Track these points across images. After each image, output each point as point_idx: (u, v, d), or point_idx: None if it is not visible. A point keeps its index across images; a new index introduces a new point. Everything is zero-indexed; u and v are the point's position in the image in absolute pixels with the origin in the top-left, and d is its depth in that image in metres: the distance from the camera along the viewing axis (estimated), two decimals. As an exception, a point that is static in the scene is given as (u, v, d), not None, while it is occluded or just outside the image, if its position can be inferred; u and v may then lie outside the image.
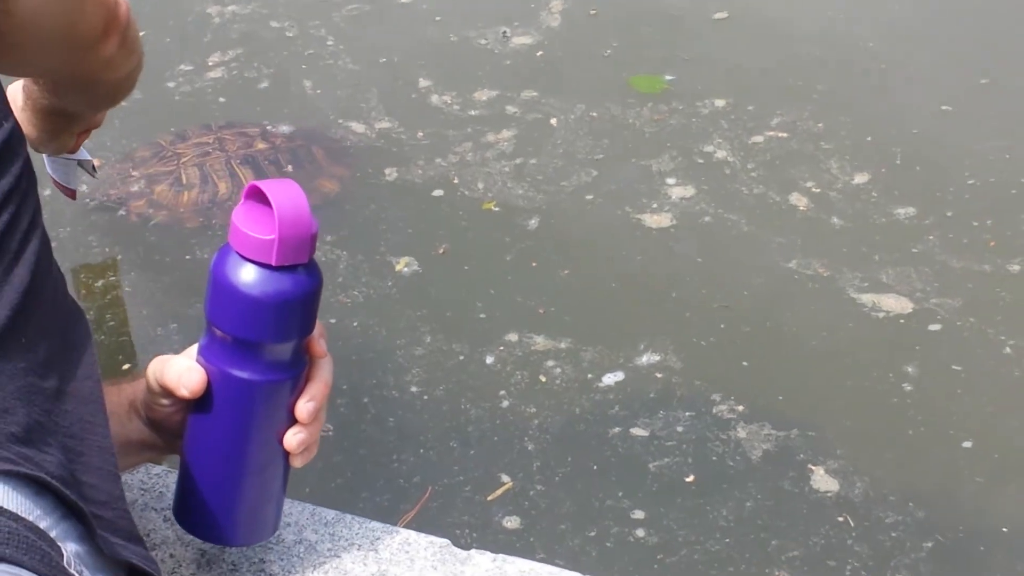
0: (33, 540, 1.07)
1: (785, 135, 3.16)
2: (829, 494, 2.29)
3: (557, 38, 3.51)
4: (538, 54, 3.46)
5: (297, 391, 1.33)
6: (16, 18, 1.32)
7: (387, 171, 3.06)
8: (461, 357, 2.53)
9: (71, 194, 2.27)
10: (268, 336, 1.28)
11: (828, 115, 3.24)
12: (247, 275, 1.24)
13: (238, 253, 1.24)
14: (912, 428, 2.42)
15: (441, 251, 2.80)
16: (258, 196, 1.25)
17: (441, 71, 3.41)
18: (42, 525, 1.10)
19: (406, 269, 2.74)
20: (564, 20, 3.56)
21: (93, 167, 2.32)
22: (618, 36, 3.49)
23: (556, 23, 3.56)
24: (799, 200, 2.95)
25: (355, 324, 2.59)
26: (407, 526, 2.11)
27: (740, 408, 2.45)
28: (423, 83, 3.36)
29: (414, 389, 2.47)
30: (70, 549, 1.12)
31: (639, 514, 2.23)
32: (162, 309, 2.67)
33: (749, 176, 3.03)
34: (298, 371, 1.32)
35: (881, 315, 2.65)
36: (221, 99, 3.33)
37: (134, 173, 3.00)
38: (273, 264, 1.23)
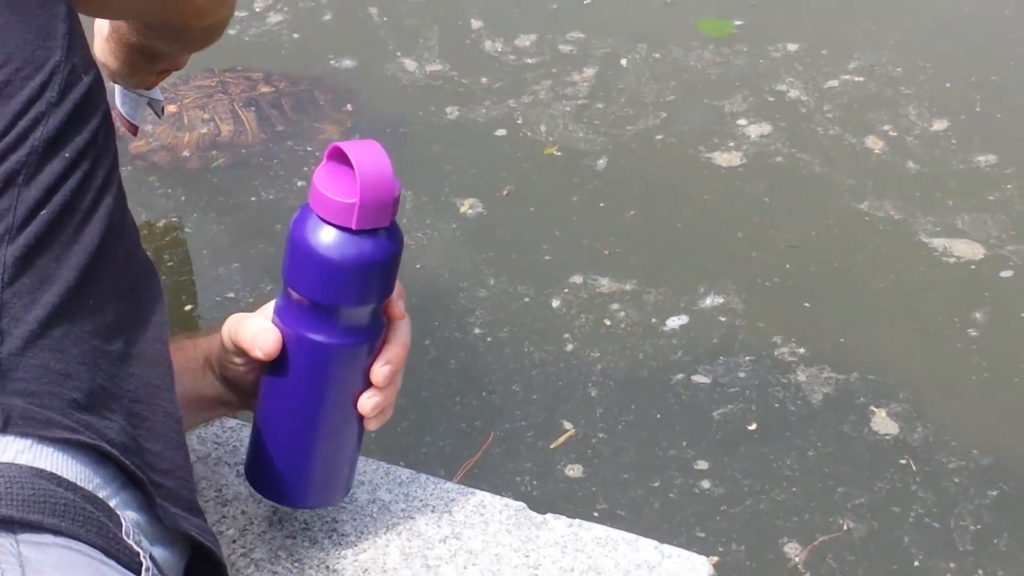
0: (90, 511, 1.08)
1: (862, 79, 3.19)
2: (889, 438, 2.36)
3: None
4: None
5: (374, 354, 1.33)
6: None
7: (448, 110, 3.11)
8: (526, 299, 2.60)
9: (133, 130, 2.32)
10: (346, 300, 1.28)
11: (906, 60, 3.26)
12: (326, 238, 1.23)
13: (318, 215, 1.24)
14: (976, 374, 2.47)
15: (505, 193, 2.86)
16: (340, 157, 1.24)
17: (495, 11, 3.45)
18: (101, 495, 1.11)
19: (471, 211, 2.81)
20: None
21: (162, 108, 2.37)
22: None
23: None
24: (875, 143, 3.00)
25: (418, 266, 2.66)
26: (470, 471, 2.19)
27: (801, 351, 2.52)
28: (475, 24, 3.39)
29: (477, 331, 2.54)
30: (130, 518, 1.12)
31: (703, 464, 2.30)
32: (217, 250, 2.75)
33: (824, 117, 3.07)
34: (375, 334, 1.32)
35: (952, 260, 2.70)
36: (295, 35, 3.38)
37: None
38: (353, 228, 1.23)
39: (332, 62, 3.28)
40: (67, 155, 1.16)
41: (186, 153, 2.96)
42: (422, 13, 3.44)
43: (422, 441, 2.32)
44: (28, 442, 1.06)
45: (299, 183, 2.88)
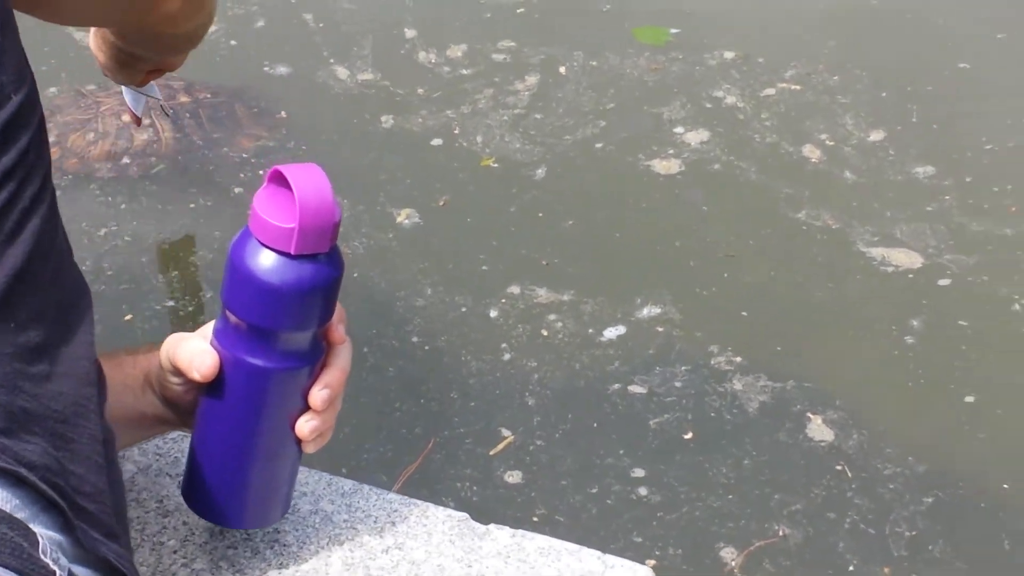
0: (3, 532, 1.06)
1: (799, 87, 3.24)
2: (824, 444, 2.40)
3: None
4: (532, 7, 3.51)
5: (313, 377, 1.33)
6: None
7: (383, 119, 3.13)
8: (463, 309, 2.62)
9: (137, 121, 2.32)
10: (285, 325, 1.28)
11: (842, 69, 3.31)
12: (265, 263, 1.23)
13: (257, 239, 1.23)
14: (913, 382, 2.52)
15: (442, 203, 2.88)
16: (280, 180, 1.24)
17: (429, 20, 3.46)
18: (20, 516, 1.09)
19: (407, 220, 2.83)
20: None
21: (163, 107, 2.36)
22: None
23: None
24: (812, 152, 3.04)
25: (355, 275, 2.67)
26: (410, 478, 2.21)
27: (738, 360, 2.56)
28: (409, 33, 3.41)
29: (415, 339, 2.56)
30: (49, 538, 1.11)
31: (639, 472, 2.33)
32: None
33: (762, 125, 3.11)
34: (315, 358, 1.32)
35: (890, 269, 2.74)
36: (232, 42, 3.39)
37: (49, 122, 3.06)
38: (292, 253, 1.22)
39: (267, 68, 3.29)
40: None
41: (94, 162, 2.96)
42: (356, 20, 3.45)
43: (362, 448, 2.34)
44: None
45: (236, 189, 2.89)
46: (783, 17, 3.51)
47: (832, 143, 3.07)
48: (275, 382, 1.31)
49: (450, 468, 2.32)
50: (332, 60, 3.31)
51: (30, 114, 1.19)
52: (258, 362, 1.29)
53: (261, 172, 2.92)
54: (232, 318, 1.28)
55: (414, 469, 2.30)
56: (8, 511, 1.08)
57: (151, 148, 3.00)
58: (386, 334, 2.56)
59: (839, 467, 2.36)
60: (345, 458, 2.29)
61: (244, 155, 3.00)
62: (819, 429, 2.42)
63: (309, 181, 1.22)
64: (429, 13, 3.48)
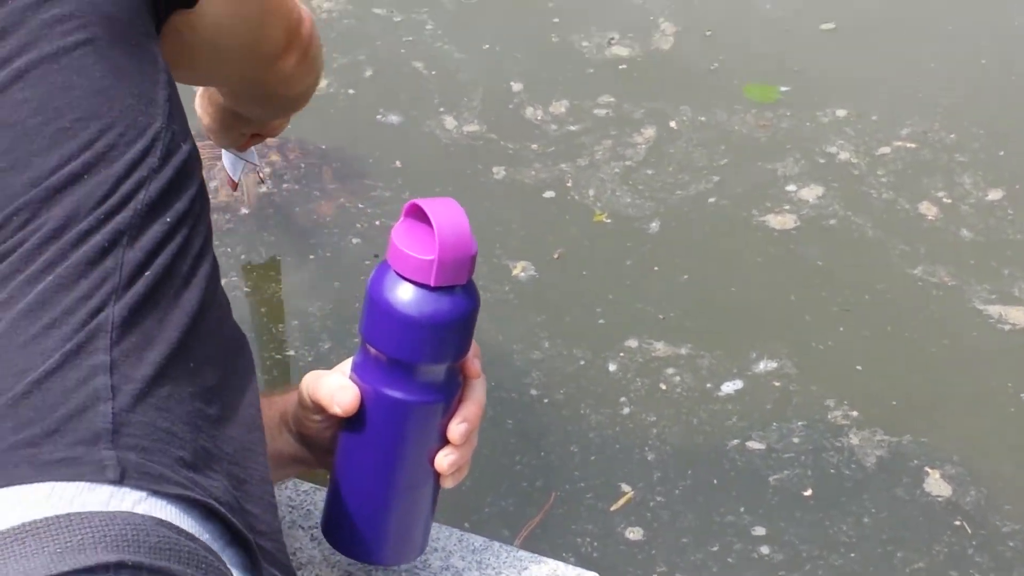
0: (212, 561, 1.12)
1: (914, 145, 3.26)
2: (942, 499, 2.43)
3: (664, 52, 3.59)
4: (643, 65, 3.54)
5: (450, 412, 1.38)
6: (199, 33, 1.42)
7: (495, 170, 3.19)
8: (581, 362, 2.67)
9: (233, 185, 2.38)
10: (423, 357, 1.33)
11: (958, 127, 3.32)
12: (404, 295, 1.29)
13: (396, 272, 1.29)
14: (1030, 440, 2.54)
15: (556, 256, 2.93)
16: (418, 214, 1.29)
17: (535, 73, 3.51)
18: (214, 548, 1.15)
19: (523, 273, 2.88)
20: (676, 39, 3.63)
21: (259, 175, 2.41)
22: (725, 51, 3.58)
23: (667, 42, 3.63)
24: (928, 209, 3.06)
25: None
26: (532, 532, 2.26)
27: (854, 414, 2.59)
28: (516, 86, 3.46)
29: (533, 392, 2.61)
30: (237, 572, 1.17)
31: (760, 530, 2.37)
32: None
33: (878, 181, 3.14)
34: (452, 392, 1.37)
35: (1007, 327, 2.77)
36: (346, 90, 3.46)
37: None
38: (431, 285, 1.28)
39: (379, 117, 3.36)
40: (168, 220, 1.23)
41: (244, 210, 3.03)
42: (467, 70, 3.52)
43: (484, 501, 2.39)
44: (143, 494, 1.12)
45: (354, 240, 2.96)
46: (895, 75, 3.53)
47: (949, 201, 3.09)
48: (414, 415, 1.36)
49: (571, 523, 2.37)
50: (442, 109, 3.37)
51: (195, 166, 1.30)
52: (398, 395, 1.34)
53: (377, 223, 2.99)
54: (372, 351, 1.33)
55: (536, 523, 2.34)
56: (204, 542, 1.14)
57: (265, 201, 3.07)
58: (504, 386, 2.61)
59: (957, 523, 2.38)
60: (468, 511, 2.34)
61: (361, 205, 3.07)
62: (937, 484, 2.45)
63: (447, 214, 1.28)
64: (534, 66, 3.53)
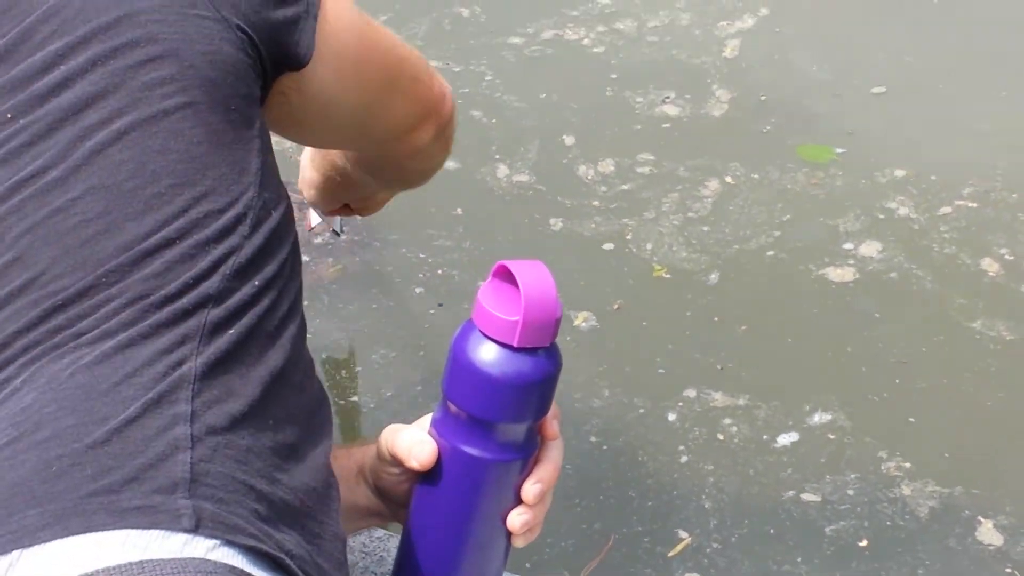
0: None
1: (976, 205, 3.34)
2: (992, 548, 2.51)
3: (716, 114, 3.68)
4: (697, 125, 3.64)
5: (526, 471, 1.40)
6: (308, 98, 1.46)
7: (552, 221, 3.29)
8: (640, 411, 2.77)
9: (307, 224, 2.45)
10: (503, 416, 1.34)
11: (1020, 186, 3.40)
12: (488, 354, 1.30)
13: (481, 331, 1.31)
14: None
15: (616, 307, 3.03)
16: (505, 275, 1.32)
17: (590, 128, 3.62)
18: None
19: (584, 324, 2.98)
20: (730, 105, 3.72)
21: (336, 228, 2.48)
22: (777, 114, 3.67)
23: (721, 108, 3.71)
24: (990, 265, 3.15)
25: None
26: (591, 573, 2.36)
27: (907, 465, 2.68)
28: (568, 140, 3.56)
29: (593, 439, 2.71)
30: None
31: (817, 581, 2.46)
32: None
33: (941, 237, 3.22)
34: (529, 452, 1.39)
35: (1064, 385, 2.85)
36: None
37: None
38: (515, 345, 1.29)
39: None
40: (256, 283, 1.27)
41: (305, 258, 3.14)
42: (523, 120, 3.63)
43: (544, 542, 2.48)
44: (216, 542, 1.14)
45: (417, 290, 3.07)
46: (950, 137, 3.61)
47: (1012, 258, 3.17)
48: (491, 473, 1.38)
49: (629, 566, 2.46)
50: (498, 157, 3.49)
51: (288, 229, 1.34)
52: (475, 452, 1.36)
53: (440, 272, 3.10)
54: (452, 408, 1.36)
55: (595, 565, 2.44)
56: None
57: (327, 249, 3.18)
58: (565, 433, 2.61)
59: (1008, 570, 2.46)
60: (529, 552, 2.44)
61: (422, 255, 3.17)
62: (989, 533, 2.54)
63: (534, 276, 1.32)
64: (589, 117, 3.64)
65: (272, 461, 1.23)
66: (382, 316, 3.02)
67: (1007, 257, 3.18)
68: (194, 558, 1.11)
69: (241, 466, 1.19)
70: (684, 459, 2.67)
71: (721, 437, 2.72)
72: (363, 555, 1.68)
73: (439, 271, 3.11)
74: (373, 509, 1.53)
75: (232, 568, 1.13)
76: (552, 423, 1.42)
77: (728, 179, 3.41)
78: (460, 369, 1.33)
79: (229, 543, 1.14)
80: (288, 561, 1.18)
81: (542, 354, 1.34)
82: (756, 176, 3.43)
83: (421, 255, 3.17)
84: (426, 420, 1.42)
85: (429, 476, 1.41)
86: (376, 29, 1.58)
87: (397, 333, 2.96)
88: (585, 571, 2.41)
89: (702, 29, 3.96)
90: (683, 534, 2.53)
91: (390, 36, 1.60)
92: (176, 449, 1.16)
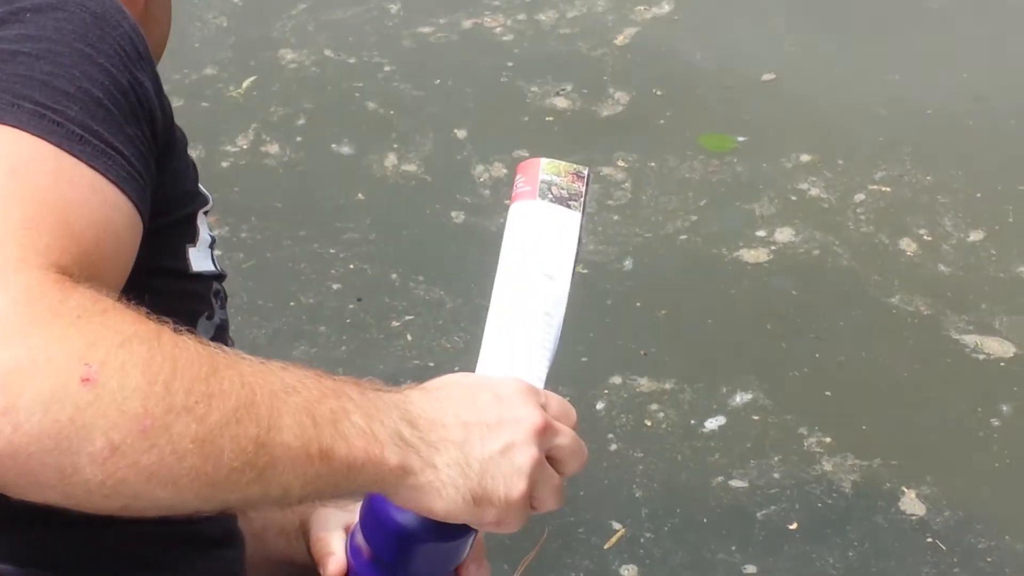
0: None
1: (889, 189, 3.43)
2: (915, 518, 2.61)
3: (616, 108, 3.76)
4: (599, 117, 3.73)
5: None
6: None
7: (453, 214, 3.36)
8: (567, 399, 2.81)
9: None
10: (408, 569, 1.35)
11: (933, 169, 3.49)
12: (399, 513, 1.29)
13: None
14: (999, 461, 2.72)
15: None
16: None
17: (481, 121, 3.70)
18: None
19: (495, 315, 3.03)
20: (627, 96, 3.81)
21: None
22: (672, 106, 3.75)
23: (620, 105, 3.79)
24: (908, 245, 3.25)
25: (456, 367, 2.85)
26: (528, 568, 2.41)
27: (827, 440, 2.77)
28: (460, 134, 3.64)
29: (519, 430, 2.76)
30: None
31: (751, 568, 2.54)
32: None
33: (857, 218, 3.32)
34: None
35: (981, 356, 2.95)
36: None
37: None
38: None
39: (334, 147, 3.55)
40: None
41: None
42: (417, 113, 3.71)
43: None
44: None
45: (334, 286, 3.11)
46: (851, 122, 3.70)
47: (930, 238, 3.26)
48: None
49: (567, 558, 2.53)
50: (396, 147, 3.57)
51: None
52: None
53: (351, 266, 3.15)
54: (361, 538, 1.37)
55: (532, 558, 2.49)
56: None
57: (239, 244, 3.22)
58: None
59: (929, 540, 2.56)
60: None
61: (332, 250, 3.22)
62: (912, 504, 2.63)
63: None
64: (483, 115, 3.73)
65: None
66: (302, 312, 3.06)
67: (925, 238, 3.27)
68: None
69: None
70: (613, 447, 2.74)
71: (649, 423, 2.79)
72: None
73: (351, 266, 3.15)
74: (308, 567, 1.52)
75: None
76: (470, 567, 1.42)
77: (631, 169, 3.48)
78: (373, 511, 1.34)
79: None
80: None
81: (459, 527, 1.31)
82: (656, 165, 3.51)
83: (332, 250, 3.21)
84: (355, 516, 1.41)
85: None
86: None
87: (318, 329, 3.00)
88: (522, 565, 2.46)
89: (601, 22, 4.06)
90: (616, 525, 2.60)
91: None
92: None
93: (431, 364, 2.86)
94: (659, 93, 3.78)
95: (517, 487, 1.24)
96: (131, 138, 1.23)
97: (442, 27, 4.04)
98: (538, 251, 1.42)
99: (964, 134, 3.64)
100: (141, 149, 1.24)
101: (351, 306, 3.07)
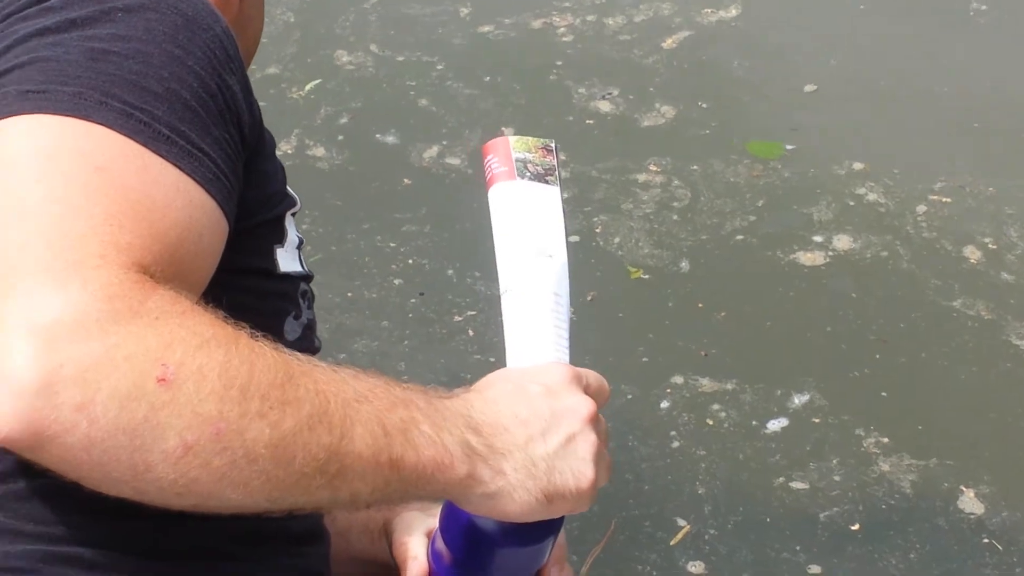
0: None
1: (949, 199, 3.44)
2: (972, 518, 2.65)
3: (659, 119, 3.77)
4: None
5: None
6: None
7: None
8: (629, 396, 2.86)
9: None
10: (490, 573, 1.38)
11: (995, 180, 3.49)
12: (478, 520, 1.33)
13: None
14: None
15: (589, 298, 3.12)
16: None
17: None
18: None
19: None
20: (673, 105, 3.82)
21: None
22: (717, 116, 3.77)
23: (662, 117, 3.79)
24: (972, 253, 3.26)
25: (516, 364, 2.90)
26: (597, 559, 2.44)
27: (884, 440, 2.80)
28: (507, 131, 3.64)
29: (580, 426, 2.79)
30: None
31: (815, 568, 2.57)
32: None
33: (918, 224, 3.34)
34: None
35: (1042, 363, 2.97)
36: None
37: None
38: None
39: (378, 136, 3.60)
40: None
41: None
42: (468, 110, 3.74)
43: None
44: None
45: (396, 281, 3.15)
46: (903, 133, 3.71)
47: (994, 246, 3.27)
48: None
49: (634, 551, 2.57)
50: (445, 143, 3.62)
51: None
52: None
53: (410, 261, 3.18)
54: (442, 542, 1.40)
55: (600, 549, 2.52)
56: None
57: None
58: None
59: (985, 540, 2.60)
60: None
61: (392, 244, 3.25)
62: (971, 503, 2.66)
63: None
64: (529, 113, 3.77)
65: None
66: (365, 307, 3.09)
67: (990, 247, 3.28)
68: None
69: (36, 543, 1.24)
70: (676, 444, 2.77)
71: (711, 422, 2.82)
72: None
73: (410, 260, 3.19)
74: (390, 568, 1.56)
75: None
76: (551, 570, 1.45)
77: (679, 173, 3.52)
78: (453, 516, 1.37)
79: None
80: None
81: (537, 530, 1.35)
82: (700, 169, 3.54)
83: (392, 244, 3.25)
84: (435, 521, 1.45)
85: None
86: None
87: (380, 324, 3.03)
88: (590, 557, 2.49)
89: (665, 25, 4.09)
90: (681, 521, 2.63)
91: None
92: None
93: (492, 359, 2.87)
94: (704, 106, 3.79)
95: (586, 476, 1.28)
96: (218, 140, 1.24)
97: (505, 26, 4.07)
98: (531, 232, 1.44)
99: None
100: (228, 151, 1.26)
101: (412, 300, 3.10)
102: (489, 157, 1.47)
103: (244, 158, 1.30)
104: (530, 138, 1.48)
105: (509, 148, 1.46)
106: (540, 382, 1.31)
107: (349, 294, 3.13)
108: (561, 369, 1.34)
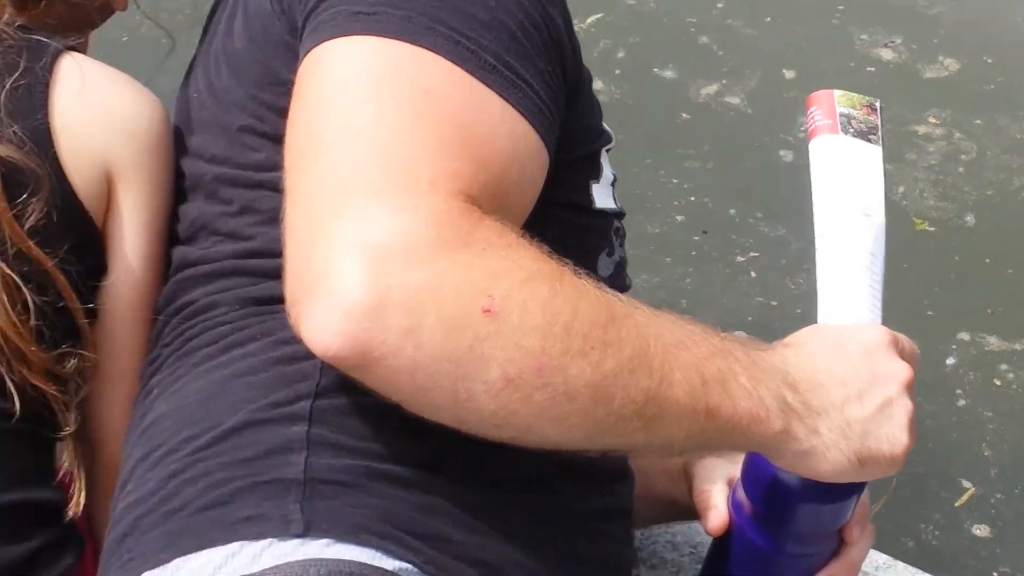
0: None
1: None
2: None
3: (942, 71, 3.71)
4: (922, 77, 3.69)
5: (818, 566, 1.40)
6: None
7: (782, 153, 3.36)
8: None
9: None
10: (792, 530, 1.37)
11: None
12: (786, 475, 1.30)
13: None
14: None
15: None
16: None
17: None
18: None
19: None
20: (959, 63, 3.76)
21: None
22: (1004, 72, 3.70)
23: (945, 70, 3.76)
24: None
25: (798, 309, 2.89)
26: (878, 514, 2.43)
27: None
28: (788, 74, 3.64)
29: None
30: None
31: (1117, 537, 2.53)
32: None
33: None
34: (817, 552, 1.40)
35: None
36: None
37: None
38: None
39: (656, 70, 3.59)
40: None
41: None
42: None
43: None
44: (329, 540, 1.17)
45: (679, 218, 3.15)
46: None
47: None
48: (772, 564, 1.41)
49: (919, 508, 2.55)
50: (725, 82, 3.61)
51: None
52: (761, 544, 1.39)
53: (692, 199, 3.18)
54: (744, 497, 1.39)
55: (881, 505, 2.50)
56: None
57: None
58: None
59: None
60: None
61: (675, 180, 3.25)
62: None
63: None
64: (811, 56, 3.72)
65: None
66: (649, 242, 3.10)
67: None
68: (305, 559, 1.13)
69: (359, 458, 1.21)
70: (961, 403, 2.74)
71: (998, 383, 2.78)
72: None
73: (692, 198, 3.18)
74: (688, 509, 1.54)
75: (348, 562, 1.15)
76: (853, 529, 1.41)
77: (962, 127, 3.46)
78: (756, 470, 1.36)
79: (342, 538, 1.16)
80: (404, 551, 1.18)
81: (843, 488, 1.33)
82: (991, 126, 3.47)
83: (675, 180, 3.25)
84: (737, 469, 1.44)
85: (722, 536, 1.46)
86: None
87: (664, 260, 3.04)
88: (874, 507, 2.48)
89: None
90: (966, 483, 2.60)
91: None
92: (290, 450, 1.20)
93: (774, 303, 2.88)
94: (989, 60, 3.72)
95: (901, 442, 1.26)
96: (541, 72, 1.24)
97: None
98: (852, 190, 1.41)
99: None
100: (550, 84, 1.25)
101: (695, 238, 3.10)
102: (812, 108, 1.44)
103: (565, 91, 1.30)
104: (855, 94, 1.46)
105: (833, 102, 1.43)
106: (859, 342, 1.28)
107: (631, 229, 3.14)
108: (880, 331, 1.31)
